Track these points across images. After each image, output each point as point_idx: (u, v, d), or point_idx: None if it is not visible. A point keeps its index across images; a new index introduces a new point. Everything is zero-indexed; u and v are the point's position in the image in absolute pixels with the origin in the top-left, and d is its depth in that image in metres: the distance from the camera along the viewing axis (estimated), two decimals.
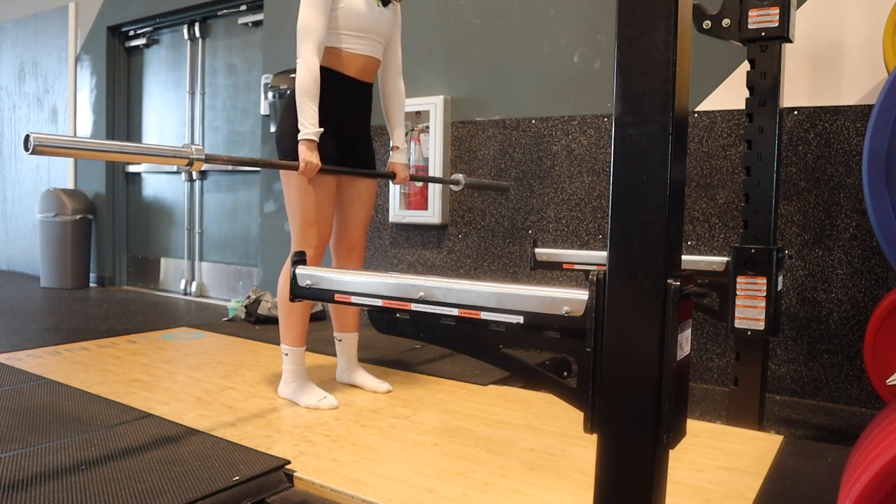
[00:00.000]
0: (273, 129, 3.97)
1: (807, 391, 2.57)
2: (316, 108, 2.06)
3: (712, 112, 2.75)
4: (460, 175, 2.69)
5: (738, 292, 2.11)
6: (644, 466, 1.03)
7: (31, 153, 1.40)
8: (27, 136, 1.39)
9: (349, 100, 2.21)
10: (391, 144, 2.40)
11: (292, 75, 3.88)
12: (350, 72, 2.19)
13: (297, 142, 2.09)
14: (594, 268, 1.28)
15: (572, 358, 1.19)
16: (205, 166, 5.15)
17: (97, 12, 5.32)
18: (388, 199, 3.62)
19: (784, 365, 2.61)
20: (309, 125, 2.05)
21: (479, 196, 3.36)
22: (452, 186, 2.73)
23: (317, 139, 2.07)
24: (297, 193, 2.16)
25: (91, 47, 5.39)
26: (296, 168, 2.06)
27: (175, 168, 5.04)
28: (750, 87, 2.15)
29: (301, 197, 2.16)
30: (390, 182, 2.61)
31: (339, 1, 2.12)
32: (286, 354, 2.23)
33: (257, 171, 4.37)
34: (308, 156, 2.05)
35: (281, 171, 2.22)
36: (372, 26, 2.20)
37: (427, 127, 3.46)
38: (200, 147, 1.72)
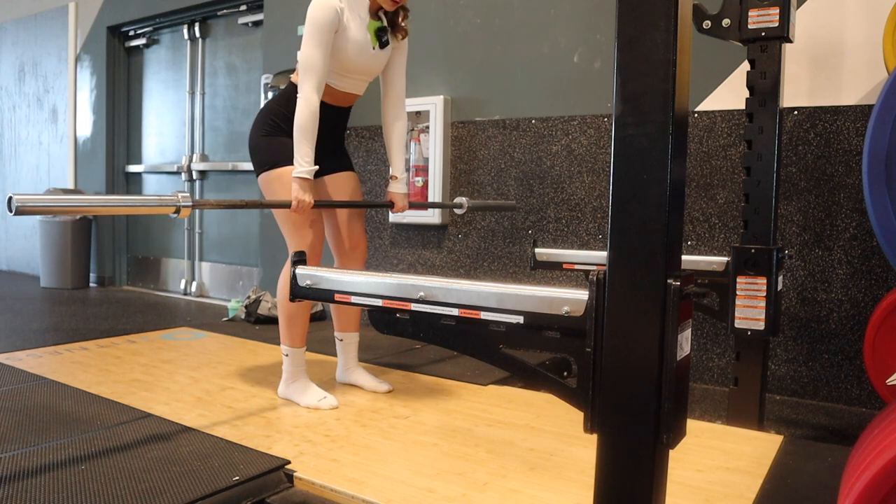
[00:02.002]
0: None
1: (807, 391, 2.57)
2: (312, 146, 2.06)
3: (712, 112, 2.75)
4: (463, 198, 2.65)
5: (738, 292, 2.11)
6: (644, 466, 1.03)
7: (15, 214, 1.39)
8: (10, 198, 1.38)
9: (329, 123, 2.23)
10: (390, 173, 2.37)
11: (292, 75, 3.90)
12: (332, 101, 2.22)
13: (268, 153, 2.16)
14: (594, 268, 1.28)
15: (572, 358, 1.19)
16: (204, 166, 5.13)
17: (97, 12, 5.31)
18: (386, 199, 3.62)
19: (784, 365, 2.61)
20: (304, 163, 2.04)
21: (479, 196, 3.36)
22: (455, 210, 2.70)
23: (311, 177, 2.07)
24: (281, 198, 2.17)
25: (91, 47, 5.39)
26: (288, 206, 2.05)
27: (175, 168, 5.05)
28: (750, 87, 2.15)
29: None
30: (383, 113, 2.55)
31: (339, 40, 2.10)
32: (286, 355, 2.23)
33: None
34: (301, 194, 2.06)
35: (261, 179, 2.25)
36: (362, 68, 2.23)
37: (427, 127, 3.46)
38: (187, 194, 1.72)
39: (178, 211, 1.70)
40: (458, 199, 2.66)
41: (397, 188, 2.37)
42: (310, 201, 2.07)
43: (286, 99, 2.23)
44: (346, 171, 2.40)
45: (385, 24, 2.21)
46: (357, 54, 2.16)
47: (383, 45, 2.22)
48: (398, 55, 2.31)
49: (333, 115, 2.26)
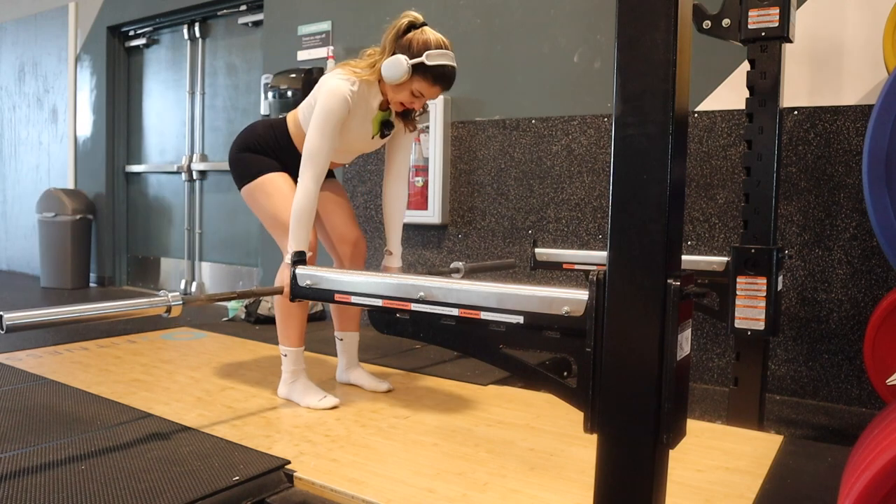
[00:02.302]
0: None
1: (807, 391, 2.57)
2: (308, 233, 2.04)
3: (712, 112, 2.75)
4: (460, 263, 2.62)
5: (738, 292, 2.11)
6: (644, 466, 1.03)
7: (6, 332, 1.39)
8: (0, 317, 1.38)
9: None
10: (386, 247, 2.36)
11: (292, 75, 3.91)
12: None
13: (246, 166, 2.22)
14: (594, 268, 1.28)
15: (572, 358, 1.19)
16: (204, 166, 5.13)
17: (97, 12, 5.31)
18: None
19: (784, 365, 2.61)
20: (298, 248, 2.02)
21: (479, 196, 3.36)
22: (453, 275, 2.63)
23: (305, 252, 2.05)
24: (267, 202, 2.20)
25: (91, 47, 5.39)
26: (280, 292, 2.03)
27: (175, 168, 5.05)
28: (750, 87, 2.15)
29: (273, 203, 2.19)
30: (384, 186, 2.54)
31: (344, 128, 2.10)
32: (285, 355, 2.23)
33: None
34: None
35: (243, 192, 2.28)
36: (356, 150, 2.26)
37: (427, 127, 3.46)
38: (177, 294, 1.72)
39: (168, 310, 1.71)
40: (454, 265, 2.63)
41: (392, 263, 2.36)
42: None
43: (272, 129, 2.26)
44: (328, 178, 2.39)
45: (392, 117, 2.21)
46: (354, 140, 2.18)
47: (384, 135, 2.23)
48: (406, 137, 2.30)
49: None
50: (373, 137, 2.21)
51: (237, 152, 2.28)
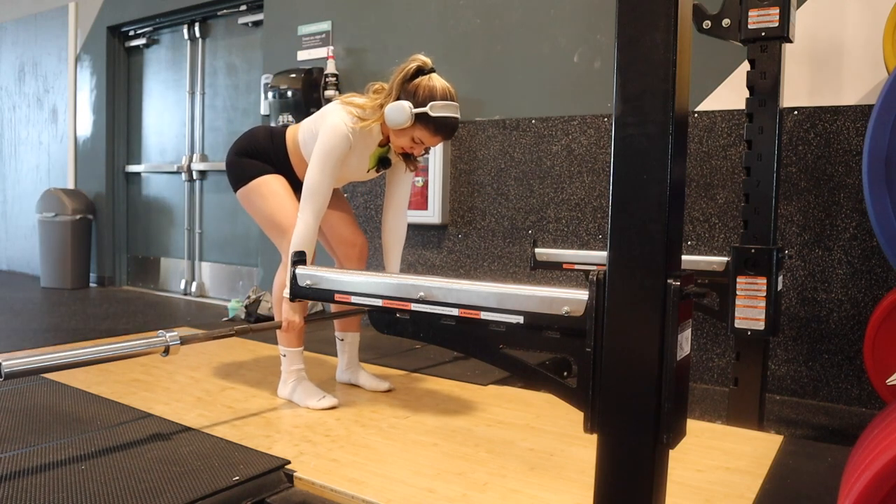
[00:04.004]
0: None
1: (807, 391, 2.57)
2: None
3: (712, 112, 2.75)
4: None
5: (738, 292, 2.11)
6: (644, 466, 1.03)
7: (4, 379, 1.41)
8: None
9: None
10: None
11: (292, 75, 3.91)
12: None
13: (242, 169, 2.21)
14: (594, 268, 1.28)
15: (572, 358, 1.19)
16: (204, 166, 5.14)
17: (97, 12, 5.31)
18: None
19: (784, 365, 2.61)
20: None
21: (480, 196, 3.36)
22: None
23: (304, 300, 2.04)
24: (263, 206, 2.20)
25: (91, 47, 5.39)
26: (278, 326, 2.06)
27: (175, 168, 5.05)
28: (750, 87, 2.15)
29: (270, 206, 2.18)
30: (383, 218, 2.53)
31: (343, 162, 2.10)
32: (284, 356, 2.23)
33: None
34: (291, 315, 2.06)
35: (239, 195, 2.28)
36: (352, 179, 2.28)
37: None
38: (175, 333, 1.74)
39: (167, 351, 1.71)
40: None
41: None
42: (300, 322, 2.08)
43: (271, 138, 2.27)
44: None
45: (390, 154, 2.22)
46: (348, 173, 2.20)
47: (379, 171, 2.25)
48: (407, 172, 2.30)
49: None
50: (368, 171, 2.23)
51: (234, 156, 2.28)
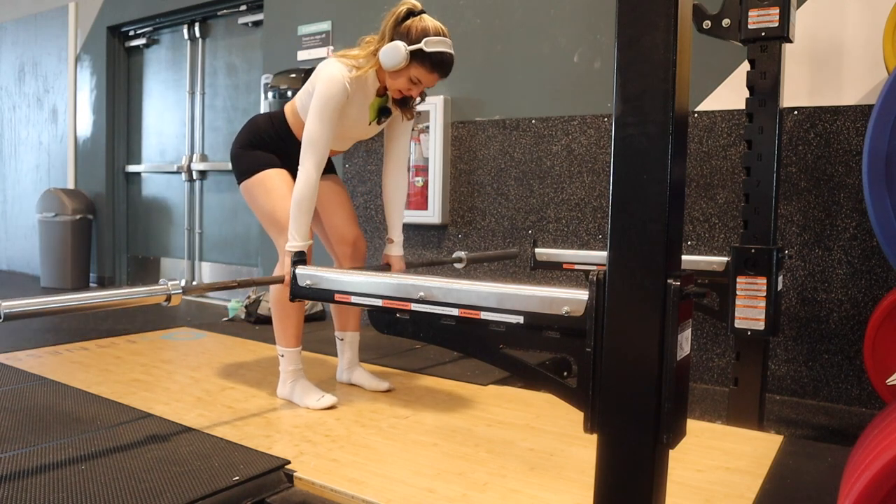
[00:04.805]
0: None
1: (807, 391, 2.57)
2: (308, 221, 2.05)
3: (712, 112, 2.75)
4: (462, 252, 2.61)
5: (738, 292, 2.11)
6: (644, 466, 1.03)
7: (4, 321, 1.39)
8: None
9: None
10: (387, 236, 2.36)
11: (292, 75, 3.91)
12: None
13: (247, 162, 2.20)
14: (594, 268, 1.28)
15: (572, 358, 1.19)
16: (204, 166, 5.13)
17: (97, 12, 5.31)
18: None
19: (784, 365, 2.61)
20: (298, 237, 2.03)
21: (479, 196, 3.36)
22: (456, 265, 2.64)
23: (305, 250, 2.05)
24: (266, 200, 2.19)
25: (91, 47, 5.39)
26: (281, 281, 2.04)
27: (175, 168, 5.05)
28: (750, 87, 2.15)
29: (271, 201, 2.18)
30: (384, 175, 2.55)
31: (342, 114, 2.10)
32: (282, 356, 2.23)
33: None
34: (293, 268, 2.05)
35: (242, 187, 2.28)
36: (353, 136, 2.26)
37: (427, 127, 3.46)
38: (177, 282, 1.71)
39: (168, 299, 1.70)
40: (456, 254, 2.62)
41: (394, 251, 2.36)
42: None
43: (271, 122, 2.27)
44: (329, 174, 2.40)
45: (390, 103, 2.21)
46: (351, 127, 2.18)
47: (381, 122, 2.24)
48: (405, 124, 2.30)
49: None
50: (370, 123, 2.21)
51: (238, 148, 2.28)
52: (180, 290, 1.71)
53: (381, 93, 2.17)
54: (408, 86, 2.07)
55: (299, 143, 2.09)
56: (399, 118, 2.28)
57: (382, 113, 2.21)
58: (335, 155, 2.40)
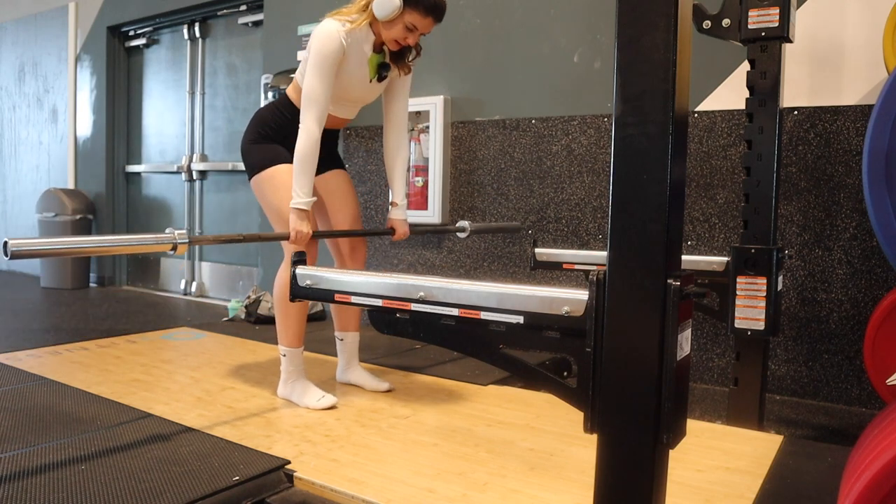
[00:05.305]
0: None
1: (807, 391, 2.57)
2: (312, 177, 2.06)
3: (712, 112, 2.75)
4: (465, 222, 2.62)
5: (738, 292, 2.11)
6: (644, 466, 1.03)
7: (11, 258, 1.40)
8: (5, 243, 1.39)
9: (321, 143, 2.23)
10: (391, 199, 2.37)
11: (292, 75, 3.90)
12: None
13: (257, 156, 2.18)
14: (594, 268, 1.28)
15: (572, 358, 1.19)
16: (204, 166, 5.13)
17: (97, 12, 5.31)
18: (388, 200, 3.62)
19: (784, 365, 2.61)
20: (302, 194, 2.04)
21: (479, 196, 3.36)
22: (459, 234, 2.65)
23: (309, 209, 2.06)
24: (275, 200, 2.18)
25: (91, 47, 5.39)
26: (286, 237, 2.05)
27: (175, 168, 5.04)
28: (750, 87, 2.15)
29: (276, 199, 2.18)
30: (384, 137, 2.55)
31: (342, 73, 2.10)
32: (284, 355, 2.23)
33: None
34: (299, 225, 2.06)
35: (252, 182, 2.27)
36: (357, 97, 2.25)
37: (427, 127, 3.46)
38: (183, 231, 1.72)
39: (174, 248, 1.70)
40: (460, 223, 2.62)
41: (398, 214, 2.36)
42: (308, 232, 2.07)
43: (277, 109, 2.27)
44: (337, 169, 2.40)
45: (387, 59, 2.21)
46: (352, 86, 2.18)
47: (381, 78, 2.23)
48: (401, 84, 2.31)
49: (325, 136, 2.25)
50: (371, 81, 2.21)
51: (248, 143, 2.27)
52: (186, 240, 1.72)
53: (378, 48, 2.17)
54: (403, 34, 2.08)
55: None
56: (397, 77, 2.27)
57: (382, 69, 2.21)
58: (343, 125, 2.37)
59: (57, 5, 5.60)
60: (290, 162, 2.21)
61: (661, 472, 1.07)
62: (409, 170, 2.38)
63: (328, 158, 2.36)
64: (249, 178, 2.28)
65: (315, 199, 2.09)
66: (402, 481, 1.60)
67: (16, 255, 1.41)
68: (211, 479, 1.55)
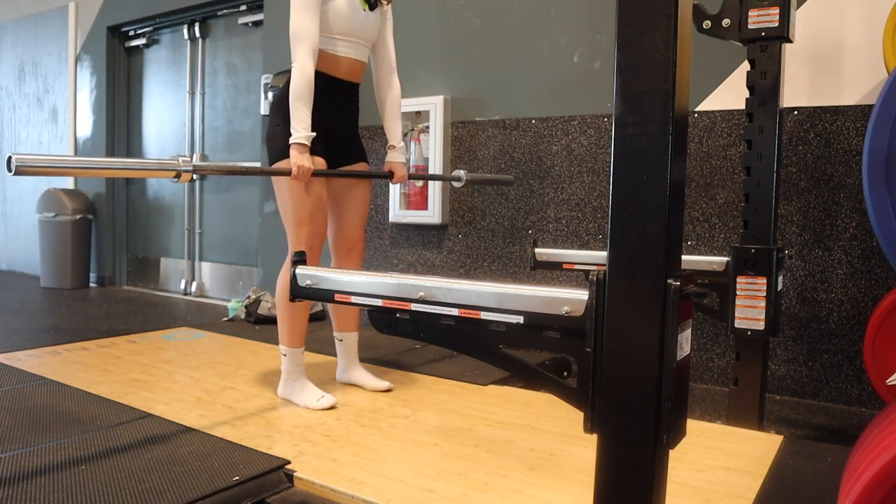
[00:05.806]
0: None
1: (807, 391, 2.57)
2: (309, 113, 2.06)
3: (712, 112, 2.75)
4: (461, 171, 2.64)
5: (738, 292, 2.11)
6: (644, 466, 1.03)
7: (15, 174, 1.40)
8: (9, 158, 1.39)
9: (337, 101, 2.22)
10: (389, 143, 2.37)
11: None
12: (337, 73, 2.20)
13: (287, 143, 2.09)
14: (594, 268, 1.28)
15: (572, 358, 1.19)
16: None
17: (97, 12, 5.31)
18: (387, 199, 3.62)
19: (784, 365, 2.61)
20: (301, 129, 2.04)
21: (480, 196, 3.36)
22: (454, 183, 2.67)
23: (309, 143, 2.06)
24: (288, 193, 2.16)
25: (91, 47, 5.39)
26: (288, 173, 2.04)
27: None
28: (750, 87, 2.15)
29: (293, 196, 2.15)
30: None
31: (326, 3, 2.11)
32: (284, 355, 2.23)
33: None
34: (300, 160, 2.04)
35: (273, 167, 2.23)
36: (357, 30, 2.22)
37: (427, 127, 3.46)
38: (188, 158, 1.71)
39: (178, 175, 1.69)
40: (456, 172, 2.63)
41: (396, 157, 2.35)
42: (309, 167, 2.05)
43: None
44: (361, 163, 2.37)
45: None
46: (348, 17, 2.16)
47: (373, 6, 2.22)
48: (384, 23, 2.31)
49: (345, 93, 2.23)
50: (364, 10, 2.20)
51: (273, 126, 2.21)
52: (190, 168, 1.71)
53: None
54: None
55: (327, 81, 2.11)
56: (380, 17, 2.27)
57: None
58: (360, 74, 2.29)
59: (57, 5, 5.60)
60: (311, 154, 2.14)
61: (661, 472, 1.07)
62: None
63: (353, 145, 2.33)
64: (270, 164, 2.23)
65: (314, 134, 2.06)
66: (402, 481, 1.60)
67: (20, 172, 1.40)
68: (211, 479, 1.55)
